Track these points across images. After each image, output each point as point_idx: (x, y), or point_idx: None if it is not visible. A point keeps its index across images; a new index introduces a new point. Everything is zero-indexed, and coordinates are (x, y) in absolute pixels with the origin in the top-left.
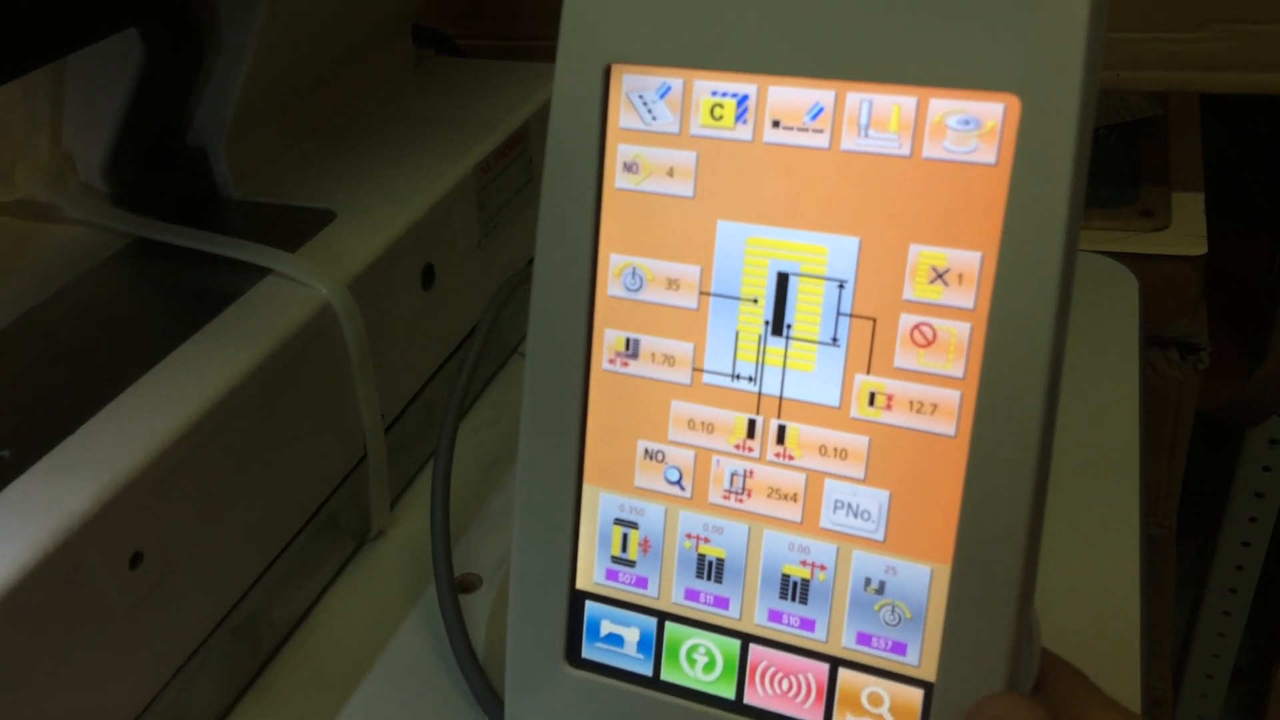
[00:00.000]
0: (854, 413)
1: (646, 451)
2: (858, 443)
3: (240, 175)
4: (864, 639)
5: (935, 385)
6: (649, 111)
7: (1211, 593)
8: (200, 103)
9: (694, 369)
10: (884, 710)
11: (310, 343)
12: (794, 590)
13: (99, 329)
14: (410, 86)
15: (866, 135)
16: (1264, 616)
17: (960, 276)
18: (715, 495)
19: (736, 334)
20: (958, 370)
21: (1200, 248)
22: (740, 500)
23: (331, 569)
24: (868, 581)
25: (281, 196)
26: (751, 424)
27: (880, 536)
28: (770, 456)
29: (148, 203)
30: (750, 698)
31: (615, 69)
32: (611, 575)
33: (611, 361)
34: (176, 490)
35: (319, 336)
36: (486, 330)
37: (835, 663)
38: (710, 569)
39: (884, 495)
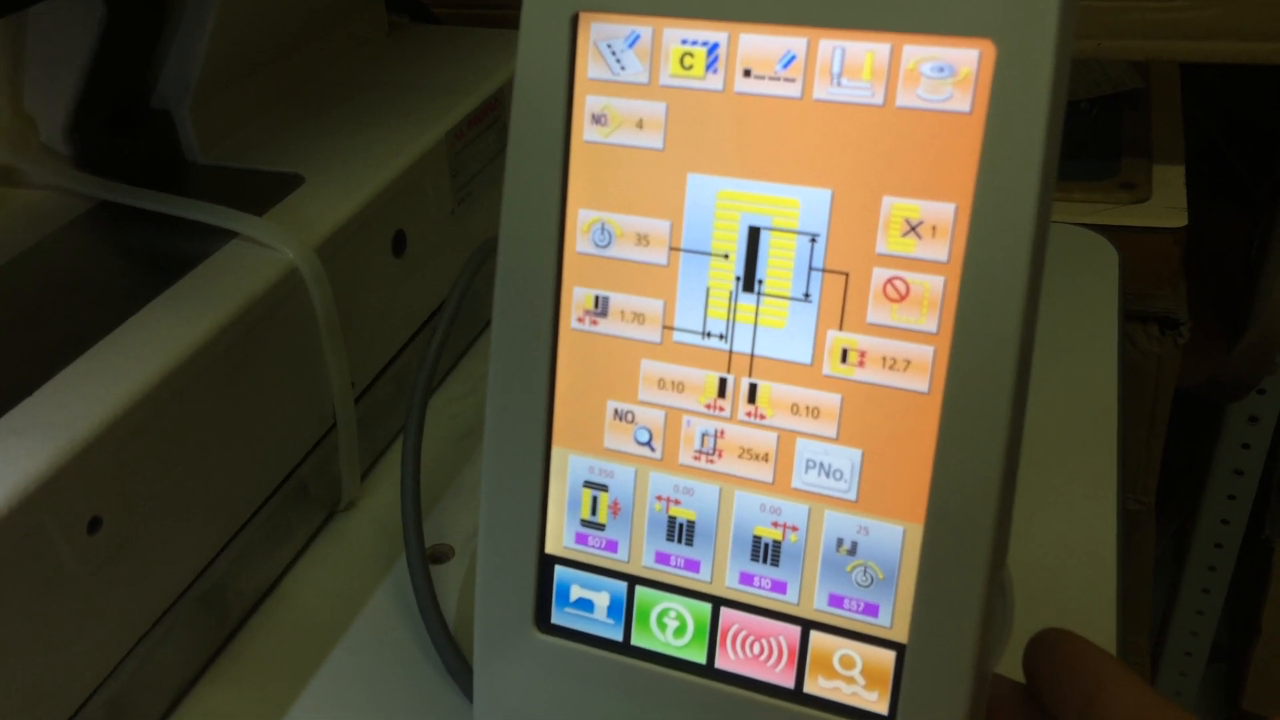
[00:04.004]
0: (826, 370)
1: (616, 412)
2: (830, 401)
3: (206, 139)
4: (836, 601)
5: (908, 341)
6: (618, 61)
7: (1190, 570)
8: (164, 64)
9: (664, 327)
10: (856, 673)
11: (277, 306)
12: (765, 552)
13: (61, 293)
14: (383, 53)
15: (839, 84)
16: (1243, 594)
17: (934, 229)
18: (686, 456)
19: (707, 290)
20: (931, 325)
21: (1180, 220)
22: (711, 461)
23: (301, 539)
24: (839, 542)
25: (249, 161)
26: (722, 383)
27: (852, 496)
28: (741, 416)
29: (112, 166)
30: (721, 661)
31: (583, 17)
32: (581, 539)
33: (580, 320)
34: (137, 455)
35: (286, 300)
36: (459, 297)
37: (807, 625)
38: (681, 531)
39: (856, 454)
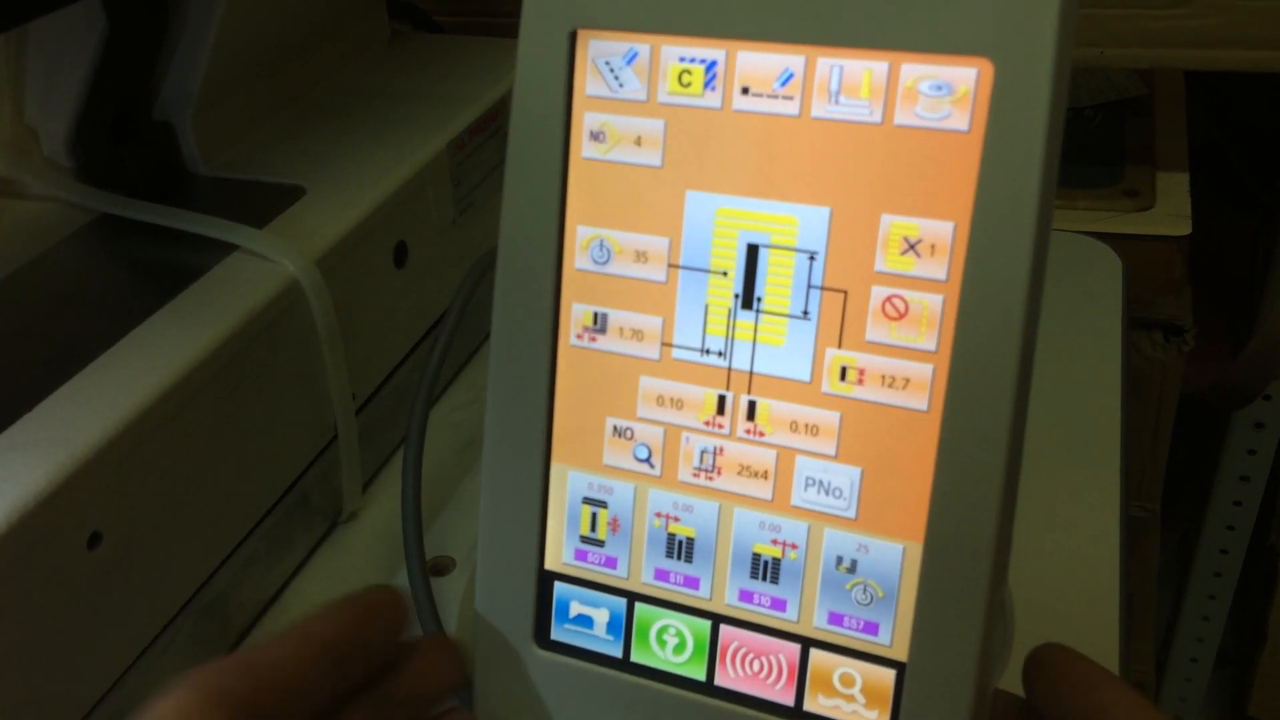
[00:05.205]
0: (825, 388)
1: (615, 429)
2: (829, 418)
3: (208, 150)
4: (835, 619)
5: (907, 359)
6: (616, 78)
7: (1196, 576)
8: (166, 75)
9: (663, 344)
10: (855, 691)
11: (277, 319)
12: (765, 570)
13: (62, 306)
14: (384, 62)
15: (837, 102)
16: (1248, 600)
17: (932, 247)
18: (685, 473)
19: (706, 308)
20: (930, 343)
21: (1185, 228)
22: (710, 478)
23: (302, 550)
24: (839, 560)
25: (250, 172)
26: (721, 400)
27: (852, 514)
28: (740, 433)
29: (113, 178)
30: (721, 679)
31: (581, 34)
32: (580, 555)
33: (579, 337)
34: (137, 469)
35: (286, 313)
36: (460, 307)
37: (807, 643)
38: (680, 548)
39: (855, 472)
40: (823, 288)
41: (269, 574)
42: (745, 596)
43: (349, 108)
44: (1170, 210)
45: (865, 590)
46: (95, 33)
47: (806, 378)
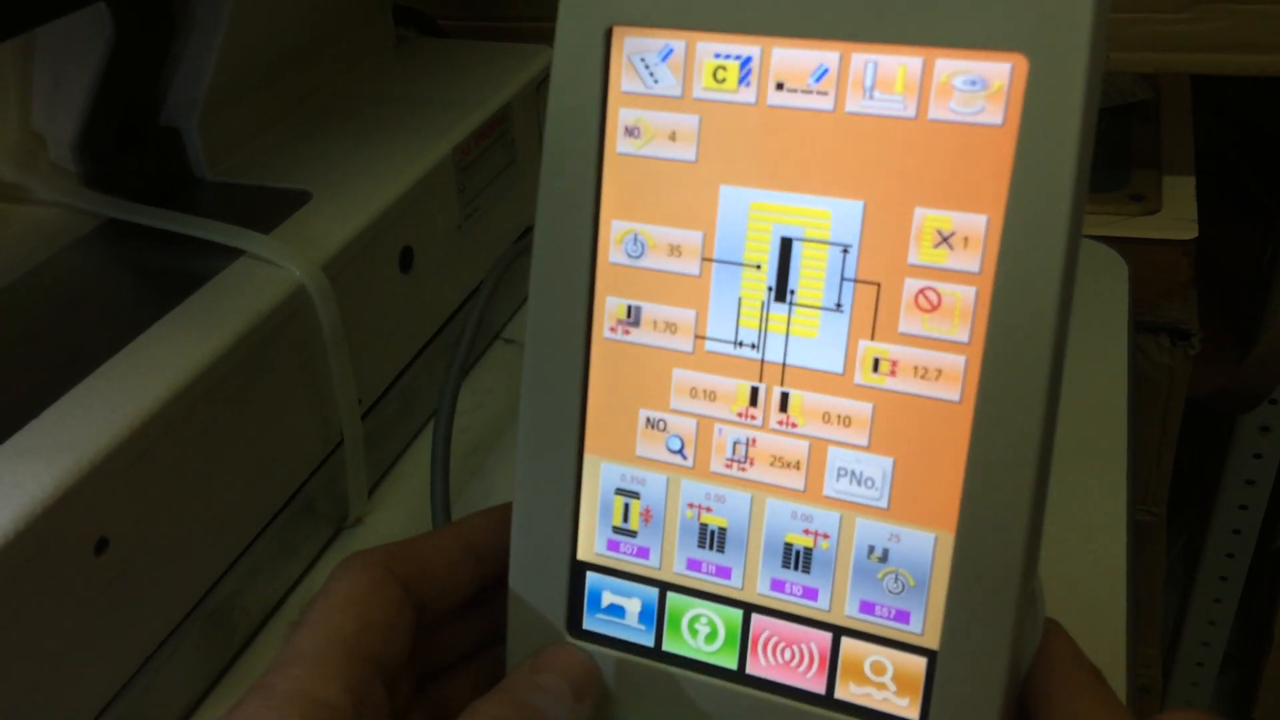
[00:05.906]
0: (858, 379)
1: (648, 420)
2: (861, 409)
3: (214, 155)
4: (867, 607)
5: (940, 350)
6: (651, 75)
7: (1202, 580)
8: (172, 81)
9: (696, 336)
10: (887, 679)
11: (283, 325)
12: (796, 559)
13: (68, 311)
14: (390, 67)
15: (871, 97)
16: (1254, 604)
17: (966, 240)
18: (717, 464)
19: (739, 300)
20: (963, 335)
21: (1191, 232)
22: (742, 469)
23: (308, 556)
24: (871, 549)
25: (256, 177)
26: (754, 391)
27: (884, 504)
28: (773, 424)
29: (119, 183)
30: (752, 667)
31: (617, 31)
32: (613, 546)
33: (613, 330)
34: (144, 475)
35: (293, 319)
36: (489, 291)
37: (838, 632)
38: (712, 538)
39: (888, 462)
40: (856, 280)
41: (274, 580)
42: (777, 586)
43: (354, 113)
44: (1176, 214)
45: (897, 579)
46: (102, 38)
47: (839, 369)
